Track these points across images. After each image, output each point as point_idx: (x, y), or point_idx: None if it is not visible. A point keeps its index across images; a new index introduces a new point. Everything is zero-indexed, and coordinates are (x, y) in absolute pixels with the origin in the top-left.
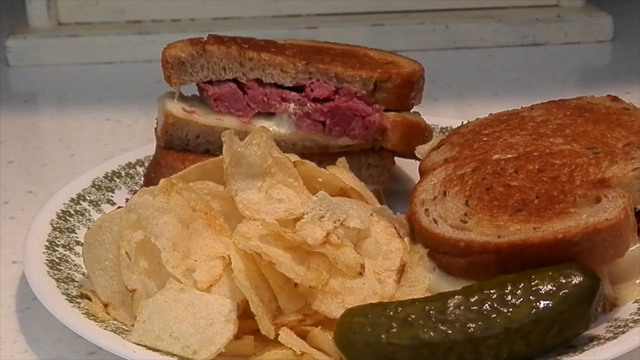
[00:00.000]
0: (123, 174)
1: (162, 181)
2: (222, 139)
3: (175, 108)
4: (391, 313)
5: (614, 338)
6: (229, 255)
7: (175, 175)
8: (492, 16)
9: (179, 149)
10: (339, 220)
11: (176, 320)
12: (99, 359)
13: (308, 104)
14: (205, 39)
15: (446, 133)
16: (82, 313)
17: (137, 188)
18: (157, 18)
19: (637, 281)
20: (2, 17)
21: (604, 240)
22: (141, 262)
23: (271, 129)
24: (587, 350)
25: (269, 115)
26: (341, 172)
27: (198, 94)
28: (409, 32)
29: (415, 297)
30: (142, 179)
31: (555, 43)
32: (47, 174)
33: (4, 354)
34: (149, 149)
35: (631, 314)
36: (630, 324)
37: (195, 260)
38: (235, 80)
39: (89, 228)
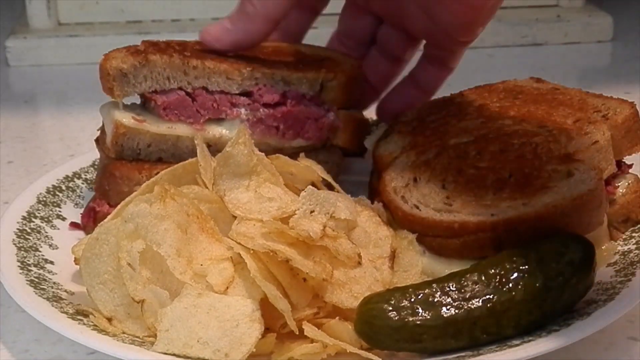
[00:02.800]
0: (64, 187)
1: (156, 188)
2: (195, 142)
3: (126, 118)
4: (412, 297)
5: (611, 299)
6: (239, 255)
7: (149, 181)
8: None
9: (130, 158)
10: (328, 213)
11: (201, 325)
12: (98, 359)
13: (261, 110)
14: (140, 46)
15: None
16: (93, 330)
17: (82, 201)
18: (157, 18)
19: (603, 247)
20: (2, 17)
21: (589, 209)
22: (143, 271)
23: (225, 134)
24: (593, 313)
25: (221, 120)
26: (311, 164)
27: (139, 101)
28: None
29: (411, 281)
30: (83, 191)
31: (555, 43)
32: (47, 174)
33: (3, 354)
34: (83, 161)
35: (611, 276)
36: (618, 286)
37: (202, 265)
38: (181, 88)
39: (49, 245)
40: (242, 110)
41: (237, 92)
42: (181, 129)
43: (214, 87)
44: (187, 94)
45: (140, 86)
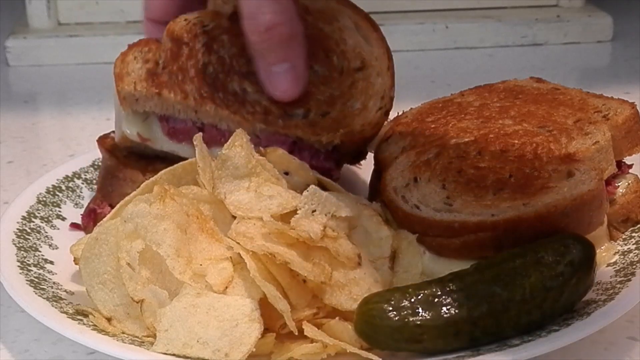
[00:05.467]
0: (64, 187)
1: (156, 188)
2: (194, 142)
3: (132, 134)
4: (412, 297)
5: (611, 299)
6: (239, 255)
7: (148, 181)
8: (492, 16)
9: (139, 154)
10: (329, 212)
11: (200, 325)
12: (98, 359)
13: None
14: (160, 48)
15: None
16: (92, 329)
17: (82, 201)
18: None
19: (603, 247)
20: (2, 17)
21: (590, 210)
22: (142, 271)
23: None
24: (593, 313)
25: None
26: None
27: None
28: (409, 32)
29: (411, 282)
30: (83, 191)
31: (555, 43)
32: (47, 174)
33: (3, 354)
34: (83, 161)
35: (611, 276)
36: (618, 286)
37: (201, 264)
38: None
39: (49, 245)
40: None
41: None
42: (185, 151)
43: (224, 127)
44: (195, 124)
45: (150, 109)
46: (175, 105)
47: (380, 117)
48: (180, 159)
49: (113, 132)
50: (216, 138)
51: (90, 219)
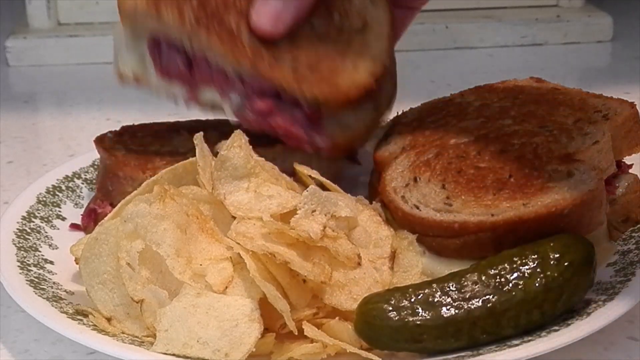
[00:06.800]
0: (64, 187)
1: (155, 188)
2: (195, 142)
3: (126, 71)
4: (412, 297)
5: (611, 299)
6: (238, 255)
7: (149, 181)
8: (492, 16)
9: None
10: (329, 212)
11: (200, 325)
12: (98, 359)
13: (249, 114)
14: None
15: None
16: (92, 329)
17: (82, 201)
18: None
19: (603, 247)
20: (2, 17)
21: (589, 210)
22: (142, 271)
23: (218, 101)
24: (593, 313)
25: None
26: (307, 171)
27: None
28: (409, 32)
29: (411, 282)
30: (83, 191)
31: (555, 43)
32: (47, 174)
33: (3, 353)
34: (83, 161)
35: (611, 276)
36: (618, 285)
37: (201, 264)
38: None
39: (49, 245)
40: (233, 98)
41: (233, 75)
42: (177, 90)
43: (214, 62)
44: (188, 60)
45: (147, 29)
46: (171, 28)
47: (368, 80)
48: (181, 158)
49: (110, 132)
50: (206, 75)
51: (91, 219)
